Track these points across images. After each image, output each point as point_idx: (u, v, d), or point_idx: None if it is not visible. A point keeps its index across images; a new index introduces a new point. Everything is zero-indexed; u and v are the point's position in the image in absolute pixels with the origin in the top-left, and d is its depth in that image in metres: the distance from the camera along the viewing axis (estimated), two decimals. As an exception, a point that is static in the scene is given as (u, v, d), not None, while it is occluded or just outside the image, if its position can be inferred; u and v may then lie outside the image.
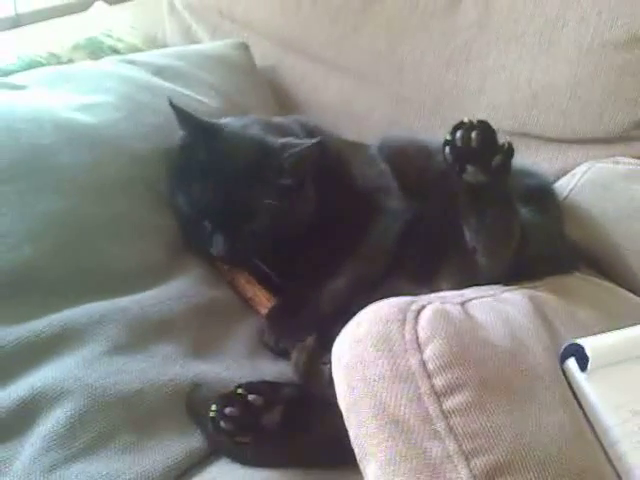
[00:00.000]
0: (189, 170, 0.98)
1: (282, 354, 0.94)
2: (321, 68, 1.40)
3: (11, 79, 1.13)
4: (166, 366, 0.83)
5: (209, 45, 1.46)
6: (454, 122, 0.77)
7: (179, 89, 1.19)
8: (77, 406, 0.74)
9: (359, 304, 0.69)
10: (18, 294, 0.82)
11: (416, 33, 1.27)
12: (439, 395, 0.59)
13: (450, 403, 0.58)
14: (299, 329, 0.94)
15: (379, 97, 1.34)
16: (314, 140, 0.99)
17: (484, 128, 0.76)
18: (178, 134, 1.01)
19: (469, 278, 0.83)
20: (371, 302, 0.68)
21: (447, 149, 0.78)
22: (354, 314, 0.67)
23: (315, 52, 1.40)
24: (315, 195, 1.02)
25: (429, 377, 0.60)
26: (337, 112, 1.36)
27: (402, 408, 0.59)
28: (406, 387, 0.60)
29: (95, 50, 1.46)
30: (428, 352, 0.61)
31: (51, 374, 0.76)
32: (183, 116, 0.99)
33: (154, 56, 1.30)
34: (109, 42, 1.50)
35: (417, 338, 0.62)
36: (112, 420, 0.75)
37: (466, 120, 0.77)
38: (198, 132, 0.99)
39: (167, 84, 1.19)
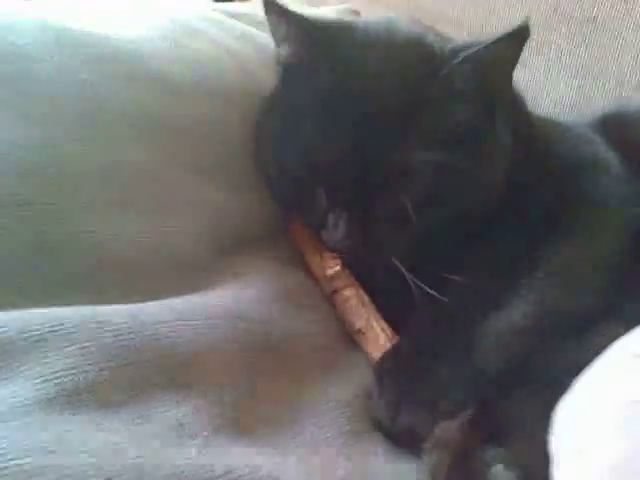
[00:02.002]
0: (296, 107, 0.60)
1: (407, 440, 0.50)
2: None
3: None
4: (172, 445, 0.40)
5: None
6: None
7: (258, 32, 0.81)
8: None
9: (553, 357, 0.46)
10: None
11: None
12: None
13: None
14: (437, 394, 0.51)
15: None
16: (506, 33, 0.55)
17: None
18: (278, 51, 0.64)
19: None
20: (583, 356, 0.42)
21: None
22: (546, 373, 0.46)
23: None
24: (511, 142, 0.60)
25: None
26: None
27: None
28: None
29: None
30: None
31: None
32: (286, 17, 0.61)
33: (233, 5, 0.95)
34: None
35: None
36: None
37: None
38: (312, 41, 0.60)
39: (241, 25, 0.81)
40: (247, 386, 0.47)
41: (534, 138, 0.64)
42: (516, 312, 0.53)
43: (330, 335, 0.57)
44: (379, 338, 0.55)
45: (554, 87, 0.90)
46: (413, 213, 0.55)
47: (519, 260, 0.56)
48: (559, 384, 0.43)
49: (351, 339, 0.58)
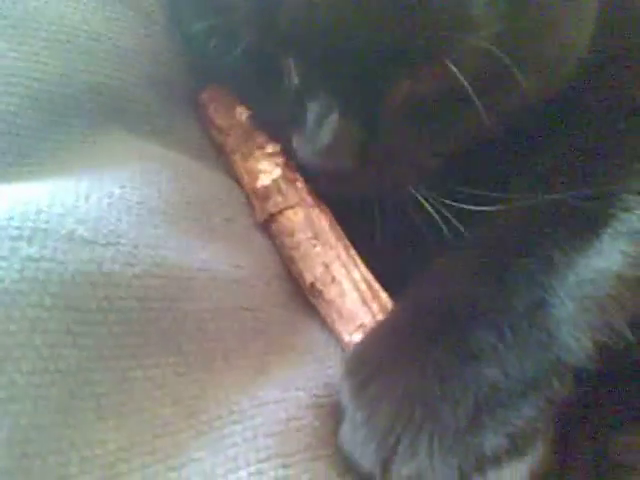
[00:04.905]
0: None
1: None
2: None
3: None
4: None
5: None
6: None
7: None
8: None
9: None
10: None
11: None
12: None
13: None
14: (475, 416, 0.26)
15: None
16: None
17: None
18: None
19: None
20: None
21: None
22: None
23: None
24: None
25: None
26: None
27: None
28: None
29: None
30: None
31: None
32: None
33: None
34: None
35: None
36: None
37: None
38: None
39: None
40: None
41: None
42: (612, 251, 0.27)
43: (259, 294, 0.30)
44: (348, 299, 0.29)
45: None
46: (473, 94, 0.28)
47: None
48: None
49: (305, 301, 0.32)
